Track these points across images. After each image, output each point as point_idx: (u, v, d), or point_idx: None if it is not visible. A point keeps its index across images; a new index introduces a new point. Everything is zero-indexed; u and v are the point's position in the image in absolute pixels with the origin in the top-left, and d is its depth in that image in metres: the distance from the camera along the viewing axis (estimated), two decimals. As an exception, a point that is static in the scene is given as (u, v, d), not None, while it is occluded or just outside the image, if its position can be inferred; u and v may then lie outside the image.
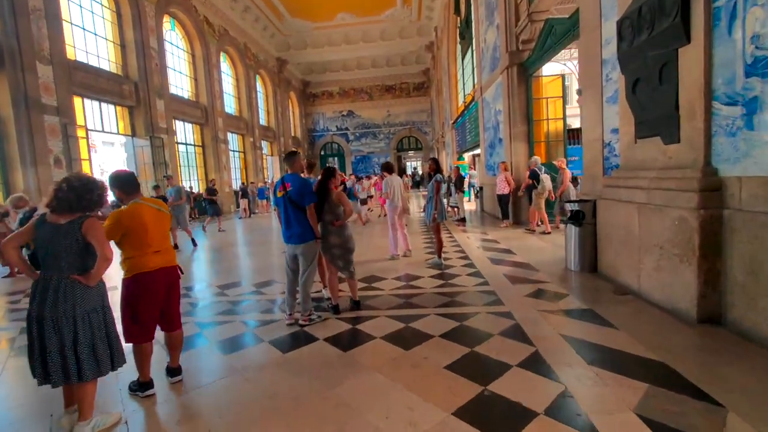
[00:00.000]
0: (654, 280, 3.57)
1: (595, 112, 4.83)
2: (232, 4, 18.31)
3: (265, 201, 17.69)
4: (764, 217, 2.63)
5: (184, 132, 16.28)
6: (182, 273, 2.76)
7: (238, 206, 17.26)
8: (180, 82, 16.08)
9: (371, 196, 14.44)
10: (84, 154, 10.84)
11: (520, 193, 8.41)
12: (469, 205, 14.31)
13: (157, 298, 2.53)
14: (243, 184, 17.83)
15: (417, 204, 15.58)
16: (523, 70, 8.69)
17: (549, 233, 7.44)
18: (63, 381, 2.08)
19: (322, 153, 30.73)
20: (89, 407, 2.16)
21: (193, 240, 8.60)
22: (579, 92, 6.77)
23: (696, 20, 3.04)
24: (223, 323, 3.82)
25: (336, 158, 30.53)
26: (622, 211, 4.07)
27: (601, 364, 2.56)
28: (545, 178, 7.74)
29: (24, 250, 2.99)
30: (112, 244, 2.35)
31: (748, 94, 2.72)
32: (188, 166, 16.55)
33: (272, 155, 24.20)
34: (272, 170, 23.33)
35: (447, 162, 20.02)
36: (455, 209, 10.96)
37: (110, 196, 2.52)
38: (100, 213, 2.55)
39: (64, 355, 2.05)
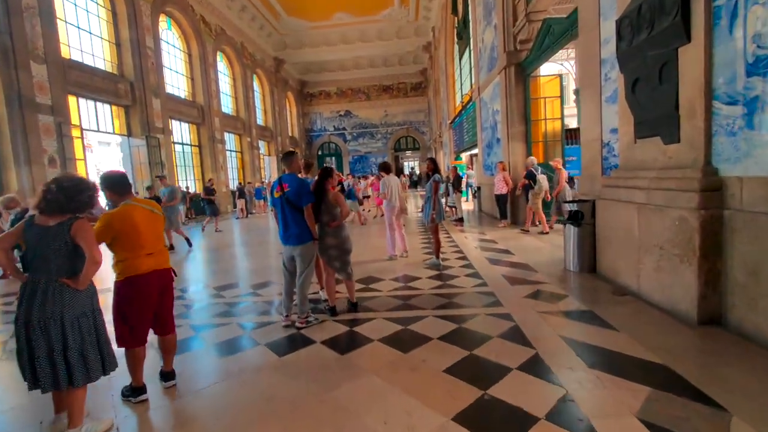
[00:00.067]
0: (654, 280, 3.54)
1: (593, 112, 4.80)
2: (228, 3, 18.21)
3: (262, 201, 17.58)
4: (765, 218, 2.61)
5: (181, 132, 16.18)
6: (176, 275, 2.71)
7: (235, 206, 17.19)
8: (176, 81, 15.98)
9: (367, 197, 14.41)
10: (79, 154, 10.73)
11: (518, 193, 8.40)
12: (467, 205, 14.29)
13: (150, 302, 2.48)
14: (240, 184, 17.75)
15: (414, 204, 15.55)
16: (521, 70, 8.68)
17: (547, 233, 7.44)
18: (52, 387, 2.02)
19: (320, 153, 30.68)
20: (79, 413, 2.11)
21: (187, 240, 8.50)
22: (576, 92, 6.76)
23: (696, 19, 3.01)
24: (219, 325, 3.77)
25: (333, 158, 30.51)
26: (621, 212, 4.04)
27: (601, 366, 2.54)
28: (542, 178, 7.74)
29: (16, 251, 2.94)
30: (104, 246, 2.30)
31: (749, 93, 2.70)
32: (185, 166, 16.46)
33: (269, 155, 24.12)
34: (269, 170, 23.27)
35: (444, 162, 19.99)
36: (453, 209, 10.94)
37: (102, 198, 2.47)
38: (93, 212, 2.50)
39: (53, 360, 1.99)
